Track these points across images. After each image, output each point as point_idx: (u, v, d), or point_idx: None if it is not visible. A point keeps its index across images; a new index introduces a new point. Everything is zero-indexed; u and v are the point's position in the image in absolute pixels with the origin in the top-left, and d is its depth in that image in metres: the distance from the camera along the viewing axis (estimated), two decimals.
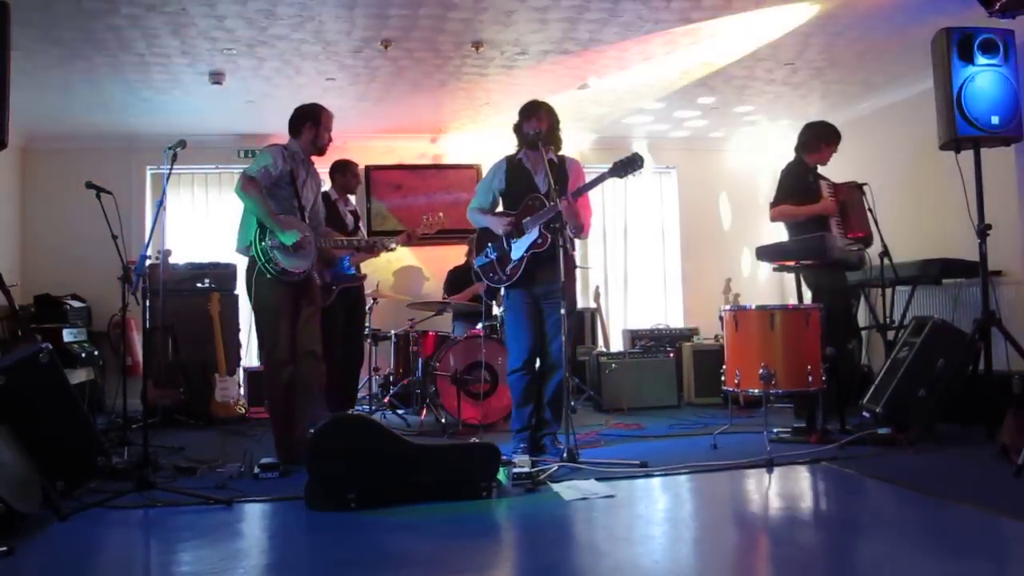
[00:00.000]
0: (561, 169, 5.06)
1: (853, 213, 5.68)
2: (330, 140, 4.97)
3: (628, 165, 4.79)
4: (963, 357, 5.16)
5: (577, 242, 5.29)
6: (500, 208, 5.23)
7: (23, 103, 6.22)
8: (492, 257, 5.10)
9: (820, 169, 5.87)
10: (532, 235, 4.93)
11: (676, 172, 9.08)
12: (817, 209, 5.64)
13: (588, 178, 5.02)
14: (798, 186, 5.71)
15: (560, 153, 5.15)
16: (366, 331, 7.00)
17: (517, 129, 5.11)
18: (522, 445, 4.99)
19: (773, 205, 5.79)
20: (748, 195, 9.02)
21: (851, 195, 5.72)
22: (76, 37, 5.47)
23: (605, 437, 5.70)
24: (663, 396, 7.17)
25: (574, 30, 5.66)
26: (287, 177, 4.80)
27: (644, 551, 3.21)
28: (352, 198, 6.62)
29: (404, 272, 8.48)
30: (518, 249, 4.98)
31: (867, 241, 5.65)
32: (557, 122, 5.09)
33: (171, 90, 6.63)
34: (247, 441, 5.60)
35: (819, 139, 5.80)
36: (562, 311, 4.73)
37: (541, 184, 5.01)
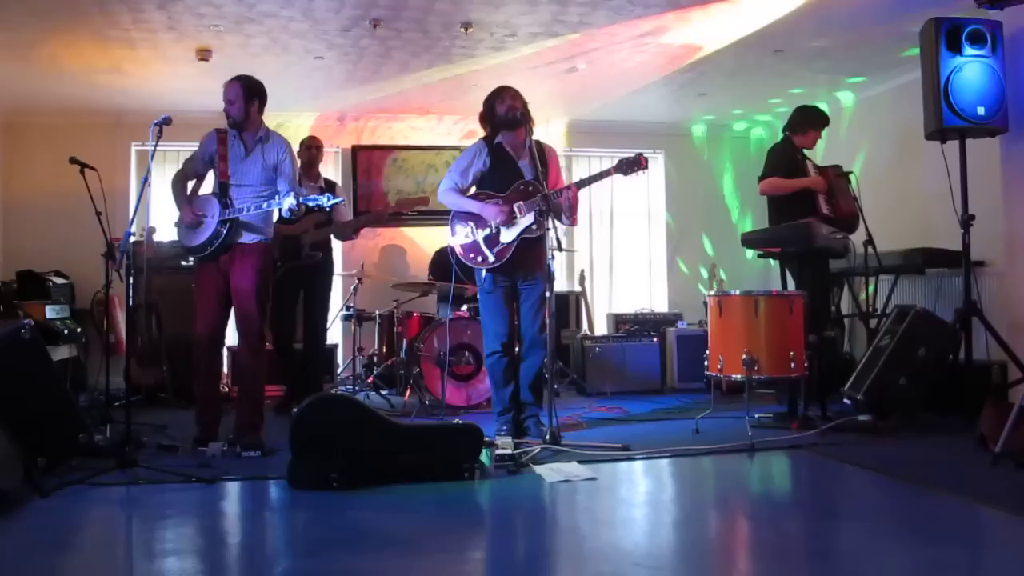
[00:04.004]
0: (542, 156, 5.03)
1: (840, 195, 5.73)
2: (225, 110, 4.83)
3: (634, 164, 4.85)
4: (944, 346, 5.21)
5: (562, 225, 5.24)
6: (474, 191, 5.14)
7: (6, 76, 6.18)
8: (477, 237, 4.99)
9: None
10: (527, 220, 4.89)
11: (663, 156, 9.07)
12: (807, 182, 5.69)
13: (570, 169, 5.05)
14: (785, 162, 5.76)
15: (537, 140, 5.09)
16: (351, 312, 6.98)
17: (487, 115, 5.04)
18: (504, 427, 5.00)
19: (762, 179, 5.82)
20: (734, 180, 9.04)
21: (835, 180, 5.77)
22: (61, 10, 5.40)
23: (588, 420, 5.72)
24: (646, 380, 7.19)
25: (564, 13, 5.64)
26: (215, 157, 4.84)
27: (625, 534, 3.24)
28: (323, 176, 6.52)
29: (388, 252, 8.46)
30: (510, 232, 4.93)
31: (853, 224, 5.67)
32: (526, 105, 5.03)
33: (157, 66, 6.57)
34: (230, 420, 5.59)
35: (808, 123, 5.90)
36: (546, 293, 4.73)
37: (527, 169, 4.97)
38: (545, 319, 4.81)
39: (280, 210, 4.70)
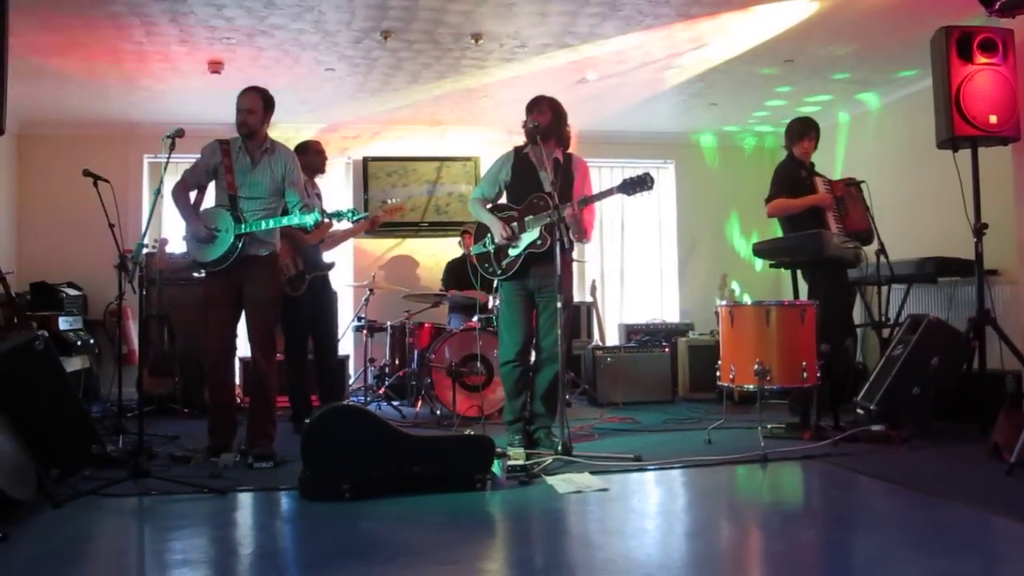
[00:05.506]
0: (567, 169, 5.04)
1: (851, 208, 5.70)
2: (240, 119, 4.82)
3: (638, 184, 4.84)
4: (957, 355, 5.18)
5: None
6: (504, 199, 5.20)
7: (20, 90, 6.21)
8: (489, 248, 5.08)
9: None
10: (533, 235, 4.93)
11: (673, 166, 9.07)
12: (813, 200, 5.67)
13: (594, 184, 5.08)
14: (791, 181, 5.75)
15: (568, 151, 5.13)
16: (363, 323, 7.01)
17: (524, 124, 5.09)
18: (517, 437, 4.99)
19: (768, 201, 5.82)
20: (745, 190, 9.01)
21: (848, 190, 5.75)
22: (75, 24, 5.45)
23: (599, 431, 5.71)
24: (658, 391, 7.18)
25: (574, 24, 5.65)
26: (220, 168, 4.85)
27: (637, 544, 3.22)
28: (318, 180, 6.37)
29: (396, 262, 8.47)
30: (516, 247, 4.98)
31: (867, 236, 5.65)
32: (561, 117, 5.04)
33: (169, 79, 6.62)
34: (242, 430, 5.60)
35: (802, 132, 5.89)
36: (558, 304, 4.74)
37: (546, 181, 4.96)
38: (557, 334, 4.84)
39: (307, 224, 4.71)
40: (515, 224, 4.97)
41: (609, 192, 4.92)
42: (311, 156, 6.05)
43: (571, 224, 4.88)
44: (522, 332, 5.04)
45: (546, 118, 4.97)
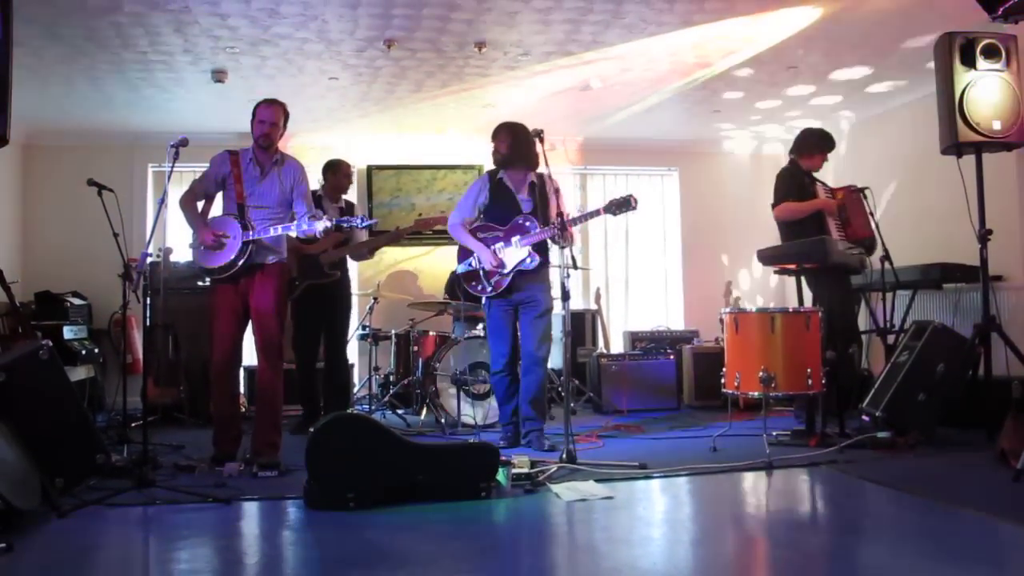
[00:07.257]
0: (543, 189, 5.27)
1: (853, 216, 5.70)
2: (264, 131, 4.85)
3: (622, 205, 5.06)
4: (963, 362, 5.17)
5: (578, 242, 5.40)
6: (482, 220, 5.43)
7: (25, 100, 6.22)
8: (478, 267, 5.31)
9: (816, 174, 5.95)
10: (521, 254, 5.19)
11: (677, 173, 9.06)
12: (819, 204, 5.71)
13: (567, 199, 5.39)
14: (796, 187, 5.75)
15: (539, 171, 5.31)
16: (367, 331, 7.00)
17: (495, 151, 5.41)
18: (503, 441, 5.27)
19: (775, 205, 5.82)
20: (749, 197, 9.01)
21: (850, 198, 5.75)
22: (79, 34, 5.47)
23: (604, 438, 5.70)
24: (663, 398, 7.17)
25: (577, 32, 5.66)
26: (229, 178, 4.88)
27: (643, 553, 3.21)
28: (344, 197, 6.51)
29: (401, 273, 8.46)
30: (506, 267, 5.24)
31: (870, 244, 5.65)
32: (522, 141, 5.24)
33: (173, 88, 6.63)
34: (247, 440, 5.60)
35: (814, 146, 5.89)
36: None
37: (525, 203, 5.29)
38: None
39: (315, 232, 4.72)
40: (500, 245, 5.24)
41: (596, 213, 5.18)
42: (340, 177, 6.39)
43: (563, 240, 5.05)
44: (508, 343, 5.34)
45: (504, 146, 5.29)
